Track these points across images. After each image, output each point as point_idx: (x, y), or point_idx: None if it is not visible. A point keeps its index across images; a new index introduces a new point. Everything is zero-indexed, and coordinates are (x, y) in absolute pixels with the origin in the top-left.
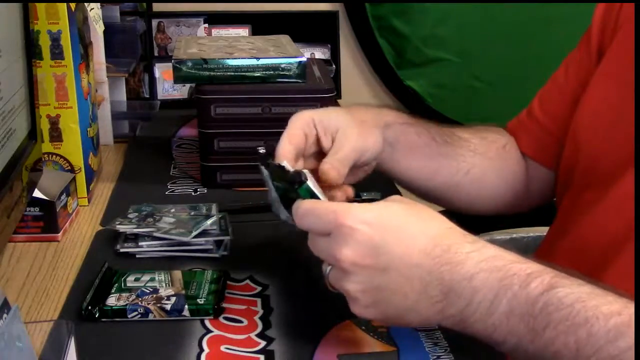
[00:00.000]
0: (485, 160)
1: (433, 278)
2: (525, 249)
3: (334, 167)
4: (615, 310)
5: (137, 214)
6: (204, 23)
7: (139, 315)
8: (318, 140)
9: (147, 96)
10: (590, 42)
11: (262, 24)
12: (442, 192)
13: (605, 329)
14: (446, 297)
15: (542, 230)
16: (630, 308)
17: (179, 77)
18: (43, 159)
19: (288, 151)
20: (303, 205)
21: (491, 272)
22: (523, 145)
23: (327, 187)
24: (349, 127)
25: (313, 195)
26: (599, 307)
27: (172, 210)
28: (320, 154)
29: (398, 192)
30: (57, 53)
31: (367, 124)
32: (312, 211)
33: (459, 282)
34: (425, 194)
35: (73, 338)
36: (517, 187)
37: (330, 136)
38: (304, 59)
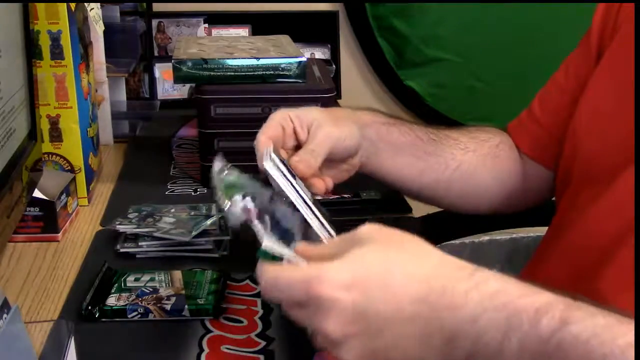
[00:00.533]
0: (476, 157)
1: (433, 329)
2: (525, 249)
3: (303, 159)
4: (630, 341)
5: (137, 214)
6: (204, 23)
7: (139, 315)
8: (295, 134)
9: (147, 96)
10: (590, 43)
11: (262, 24)
12: (432, 190)
13: None
14: (450, 342)
15: (542, 230)
16: None
17: (179, 77)
18: (43, 159)
19: (264, 142)
20: (265, 276)
21: (496, 311)
22: (522, 144)
23: (306, 177)
24: (324, 120)
25: (275, 257)
26: (616, 341)
27: (172, 210)
28: (299, 147)
29: (397, 191)
30: (57, 53)
31: (342, 119)
32: (278, 283)
33: (462, 326)
34: (416, 194)
35: (73, 338)
36: (512, 186)
37: (306, 129)
38: (304, 59)
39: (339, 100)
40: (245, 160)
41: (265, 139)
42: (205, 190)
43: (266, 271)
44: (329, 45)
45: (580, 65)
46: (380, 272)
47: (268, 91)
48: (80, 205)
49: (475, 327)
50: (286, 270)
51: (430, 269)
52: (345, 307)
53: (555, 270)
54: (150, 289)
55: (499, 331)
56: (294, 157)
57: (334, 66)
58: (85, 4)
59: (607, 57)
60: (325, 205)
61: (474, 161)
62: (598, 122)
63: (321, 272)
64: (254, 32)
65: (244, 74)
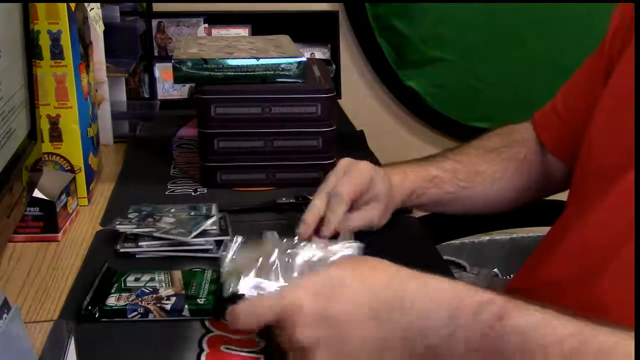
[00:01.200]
0: (502, 182)
1: (391, 328)
2: (525, 249)
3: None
4: (565, 335)
5: (137, 214)
6: (204, 23)
7: (139, 315)
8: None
9: (147, 96)
10: (605, 43)
11: (262, 24)
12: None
13: (561, 355)
14: (406, 340)
15: (542, 230)
16: (587, 329)
17: (179, 77)
18: (43, 159)
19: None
20: (235, 310)
21: (441, 301)
22: (544, 138)
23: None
24: (380, 204)
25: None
26: (556, 329)
27: (172, 210)
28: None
29: None
30: (57, 53)
31: (389, 209)
32: (248, 312)
33: (414, 323)
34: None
35: (73, 338)
36: (534, 188)
37: (366, 199)
38: (304, 59)
39: (339, 100)
40: (246, 160)
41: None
42: (205, 191)
43: (235, 307)
44: (329, 45)
45: (595, 65)
46: (341, 278)
47: (268, 91)
48: (80, 205)
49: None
50: (253, 301)
51: (387, 275)
52: (309, 312)
53: (557, 268)
54: (150, 289)
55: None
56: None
57: (334, 66)
58: (85, 4)
59: (626, 56)
60: None
61: (501, 187)
62: (608, 121)
63: (286, 290)
64: (254, 32)
65: (244, 74)
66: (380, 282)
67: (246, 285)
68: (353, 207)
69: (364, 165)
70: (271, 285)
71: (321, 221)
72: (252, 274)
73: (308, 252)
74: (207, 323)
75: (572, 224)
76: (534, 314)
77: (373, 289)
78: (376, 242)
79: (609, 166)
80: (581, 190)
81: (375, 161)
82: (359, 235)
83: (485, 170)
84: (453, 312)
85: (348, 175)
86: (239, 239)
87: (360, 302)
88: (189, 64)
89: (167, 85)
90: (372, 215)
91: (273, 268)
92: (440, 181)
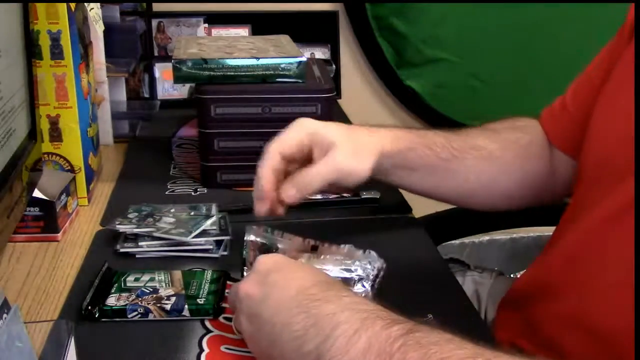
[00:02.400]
0: (500, 164)
1: (300, 311)
2: (525, 249)
3: (299, 186)
4: (470, 354)
5: (137, 214)
6: (204, 23)
7: (139, 315)
8: (309, 151)
9: (147, 96)
10: (620, 36)
11: (262, 24)
12: (453, 199)
13: None
14: (306, 333)
15: (542, 230)
16: (484, 356)
17: (179, 77)
18: (43, 159)
19: (267, 177)
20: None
21: (356, 312)
22: (551, 134)
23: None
24: (342, 145)
25: None
26: (454, 350)
27: (172, 210)
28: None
29: (397, 191)
30: (57, 53)
31: (362, 149)
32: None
33: (322, 318)
34: (439, 200)
35: (73, 338)
36: (541, 184)
37: (321, 148)
38: (303, 59)
39: (339, 100)
40: (246, 160)
41: (268, 173)
42: (205, 191)
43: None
44: (329, 45)
45: (606, 58)
46: (290, 266)
47: (268, 91)
48: (80, 205)
49: (333, 319)
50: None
51: (325, 277)
52: (257, 270)
53: (559, 268)
54: (150, 289)
55: (352, 327)
56: (293, 177)
57: (334, 66)
58: (85, 4)
59: (628, 53)
60: (326, 205)
61: (496, 169)
62: (614, 120)
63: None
64: (254, 32)
65: (244, 74)
66: (319, 278)
67: None
68: (302, 165)
69: (298, 121)
70: None
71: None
72: None
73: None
74: (207, 323)
75: (574, 218)
76: (443, 334)
77: (310, 279)
78: (376, 243)
79: (613, 165)
80: (584, 186)
81: None
82: (357, 236)
83: (483, 145)
84: (364, 321)
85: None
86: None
87: (294, 280)
88: (189, 64)
89: (167, 85)
90: (331, 164)
91: None
92: (433, 143)
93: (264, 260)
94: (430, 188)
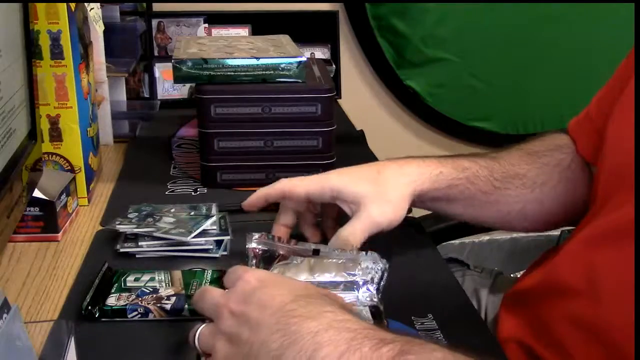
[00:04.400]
0: (545, 190)
1: (279, 328)
2: (525, 249)
3: (342, 242)
4: None
5: (137, 214)
6: (204, 23)
7: (139, 315)
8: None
9: (147, 96)
10: None
11: (262, 24)
12: (496, 227)
13: None
14: (284, 352)
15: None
16: None
17: (179, 77)
18: (43, 159)
19: (279, 231)
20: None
21: (341, 331)
22: (581, 147)
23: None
24: (371, 197)
25: None
26: None
27: (172, 210)
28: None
29: None
30: (57, 53)
31: (393, 196)
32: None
33: (302, 337)
34: (476, 225)
35: (73, 338)
36: (583, 204)
37: (353, 206)
38: (303, 58)
39: (339, 100)
40: (246, 160)
41: (281, 229)
42: (205, 190)
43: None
44: (329, 45)
45: (624, 68)
46: (274, 280)
47: (268, 91)
48: (80, 205)
49: (314, 339)
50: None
51: (307, 289)
52: (241, 289)
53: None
54: (150, 289)
55: (337, 349)
56: (338, 234)
57: (334, 66)
58: (85, 4)
59: None
60: None
61: (542, 196)
62: (627, 129)
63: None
64: (254, 32)
65: (243, 73)
66: (301, 291)
67: None
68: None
69: (325, 175)
70: None
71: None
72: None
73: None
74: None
75: (589, 222)
76: (435, 353)
77: (292, 293)
78: (376, 244)
79: (621, 164)
80: (599, 188)
81: (375, 161)
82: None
83: (524, 173)
84: (351, 342)
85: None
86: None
87: (276, 297)
88: (189, 63)
89: (167, 85)
90: (366, 220)
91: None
92: (475, 177)
93: (248, 279)
94: (470, 218)
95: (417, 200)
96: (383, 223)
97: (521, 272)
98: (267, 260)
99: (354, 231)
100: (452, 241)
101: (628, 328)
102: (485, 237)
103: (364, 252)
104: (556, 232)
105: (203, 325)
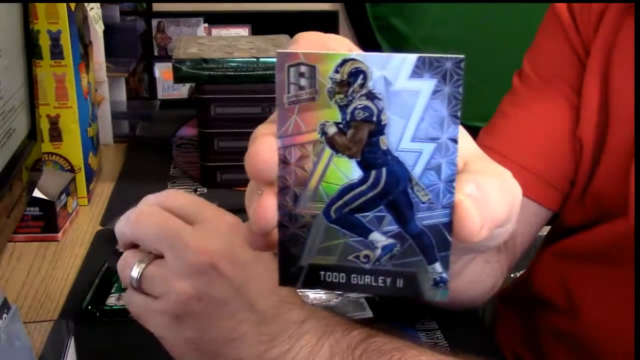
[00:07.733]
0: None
1: (273, 314)
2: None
3: None
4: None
5: None
6: (204, 23)
7: None
8: None
9: (147, 96)
10: None
11: (262, 24)
12: None
13: None
14: (274, 339)
15: (542, 230)
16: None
17: (179, 77)
18: (43, 159)
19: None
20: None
21: (320, 319)
22: (546, 204)
23: None
24: None
25: None
26: (418, 357)
27: None
28: None
29: None
30: (57, 53)
31: None
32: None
33: (290, 325)
34: None
35: (73, 338)
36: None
37: None
38: None
39: None
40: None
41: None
42: (205, 190)
43: None
44: None
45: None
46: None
47: (268, 91)
48: (80, 205)
49: (299, 329)
50: None
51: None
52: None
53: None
54: None
55: (315, 336)
56: None
57: None
58: (85, 3)
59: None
60: None
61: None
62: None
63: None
64: (254, 32)
65: (243, 73)
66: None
67: None
68: None
69: None
70: None
71: None
72: None
73: None
74: None
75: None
76: (403, 339)
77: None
78: None
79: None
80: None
81: None
82: None
83: None
84: (326, 327)
85: None
86: None
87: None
88: (189, 63)
89: (167, 85)
90: None
91: None
92: None
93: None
94: None
95: None
96: None
97: (521, 272)
98: None
99: None
100: None
101: (609, 344)
102: None
103: None
104: None
105: (145, 267)
